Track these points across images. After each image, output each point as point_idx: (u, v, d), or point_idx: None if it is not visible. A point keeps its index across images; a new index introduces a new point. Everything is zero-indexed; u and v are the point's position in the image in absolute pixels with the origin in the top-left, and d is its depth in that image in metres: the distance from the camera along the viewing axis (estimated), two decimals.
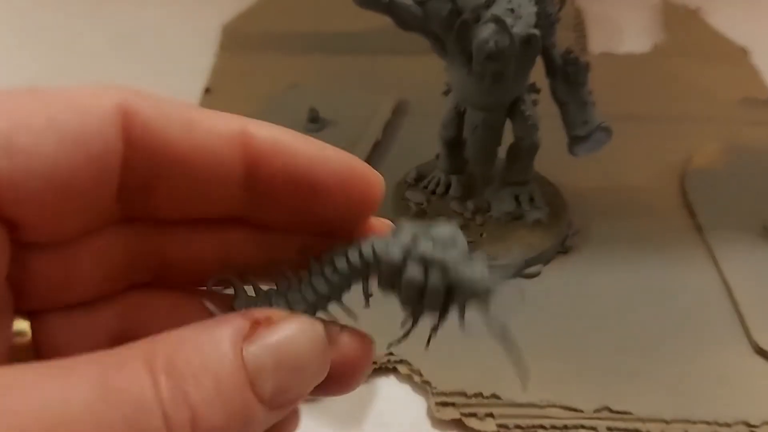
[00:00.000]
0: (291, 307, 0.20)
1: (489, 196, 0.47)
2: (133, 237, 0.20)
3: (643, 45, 0.69)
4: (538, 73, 0.44)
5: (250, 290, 0.21)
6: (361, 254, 0.20)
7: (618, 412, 0.37)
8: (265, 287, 0.21)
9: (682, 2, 0.76)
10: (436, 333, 0.20)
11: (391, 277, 0.19)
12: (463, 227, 0.46)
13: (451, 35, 0.40)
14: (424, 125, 0.52)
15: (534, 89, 0.45)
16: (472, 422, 0.36)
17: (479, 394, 0.37)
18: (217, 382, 0.16)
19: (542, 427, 0.36)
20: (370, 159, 0.53)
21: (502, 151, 0.46)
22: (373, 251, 0.20)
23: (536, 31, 0.39)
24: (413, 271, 0.19)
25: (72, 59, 0.66)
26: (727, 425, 0.36)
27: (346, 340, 0.20)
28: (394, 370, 0.39)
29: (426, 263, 0.19)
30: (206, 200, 0.19)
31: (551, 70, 0.44)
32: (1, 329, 0.19)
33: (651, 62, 0.67)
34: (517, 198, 0.47)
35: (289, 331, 0.18)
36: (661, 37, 0.71)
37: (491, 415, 0.36)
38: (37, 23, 0.72)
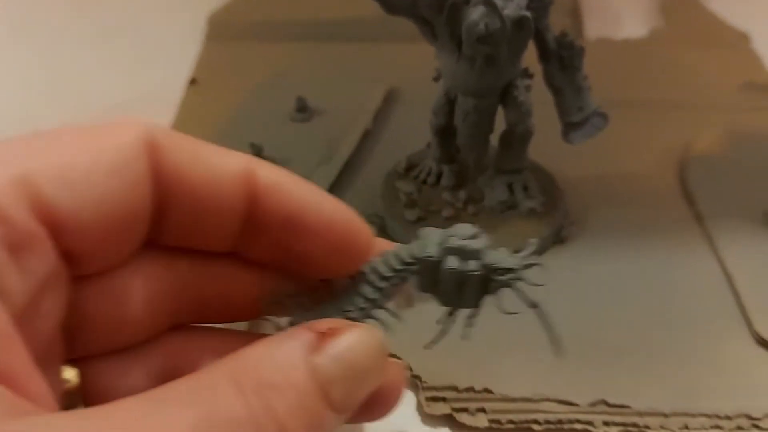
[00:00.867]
0: (345, 316, 0.22)
1: (482, 185, 0.46)
2: (173, 273, 0.22)
3: (641, 30, 0.68)
4: (531, 58, 0.43)
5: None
6: (400, 258, 0.22)
7: (615, 406, 0.35)
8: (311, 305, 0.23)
9: None
10: (473, 322, 0.22)
11: (431, 273, 0.22)
12: (455, 217, 0.45)
13: (440, 18, 0.39)
14: (415, 113, 0.51)
15: (527, 74, 0.43)
16: (463, 417, 0.35)
17: (470, 389, 0.36)
18: (298, 395, 0.18)
19: (536, 421, 0.35)
20: (360, 148, 0.52)
21: (494, 139, 0.45)
22: (411, 254, 0.22)
23: (528, 13, 0.38)
24: (452, 261, 0.21)
25: (57, 51, 0.65)
26: (728, 418, 0.35)
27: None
28: None
29: (461, 254, 0.21)
30: (209, 230, 0.21)
31: (545, 55, 0.43)
32: (52, 374, 0.20)
33: (649, 48, 0.66)
34: (510, 187, 0.45)
35: (353, 340, 0.20)
36: (660, 22, 0.69)
37: (483, 410, 0.35)
38: (20, 15, 0.71)
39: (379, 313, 0.22)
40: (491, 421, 0.35)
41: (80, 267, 0.19)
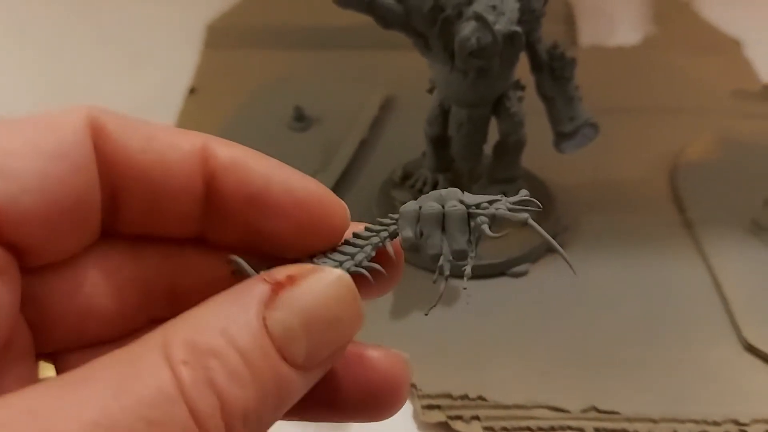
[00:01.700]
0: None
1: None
2: (138, 262, 0.20)
3: (634, 37, 0.69)
4: (523, 69, 0.43)
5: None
6: (380, 221, 0.21)
7: (605, 412, 0.36)
8: None
9: None
10: (470, 273, 0.20)
11: (411, 221, 0.20)
12: None
13: (433, 32, 0.40)
14: (411, 121, 0.51)
15: (519, 86, 0.44)
16: (458, 425, 0.36)
17: (465, 396, 0.37)
18: (245, 359, 0.16)
19: (529, 428, 0.35)
20: (357, 157, 0.53)
21: (488, 148, 0.46)
22: (390, 216, 0.21)
23: (519, 28, 0.38)
24: (429, 204, 0.20)
25: (56, 58, 0.66)
26: (717, 424, 0.36)
27: (378, 354, 0.20)
28: None
29: (440, 201, 0.20)
30: (168, 215, 0.19)
31: (537, 66, 0.44)
32: (25, 370, 0.19)
33: (642, 54, 0.66)
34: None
35: (315, 286, 0.18)
36: (652, 28, 0.70)
37: (477, 417, 0.36)
38: (21, 21, 0.71)
39: (356, 269, 0.21)
40: (485, 428, 0.35)
41: (31, 258, 0.18)
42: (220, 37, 0.67)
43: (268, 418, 0.17)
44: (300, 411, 0.20)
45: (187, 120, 0.57)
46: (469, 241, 0.20)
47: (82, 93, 0.61)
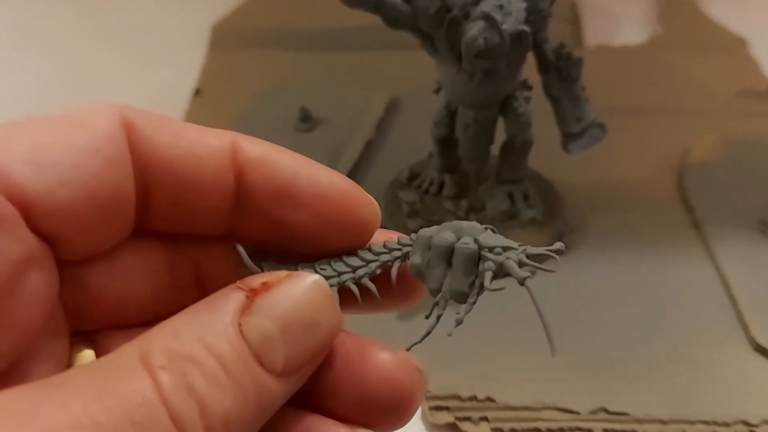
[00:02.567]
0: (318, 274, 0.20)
1: (483, 195, 0.47)
2: (170, 254, 0.21)
3: (640, 37, 0.69)
4: (530, 69, 0.43)
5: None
6: (399, 239, 0.20)
7: (614, 413, 0.36)
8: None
9: None
10: (462, 320, 0.19)
11: (423, 248, 0.20)
12: None
13: (440, 33, 0.40)
14: (417, 122, 0.51)
15: (526, 86, 0.44)
16: (466, 426, 0.36)
17: (473, 398, 0.37)
18: (222, 365, 0.16)
19: (538, 430, 0.35)
20: (363, 158, 0.53)
21: (495, 149, 0.46)
22: (410, 237, 0.20)
23: (526, 28, 0.38)
24: (444, 234, 0.20)
25: (62, 60, 0.66)
26: (726, 425, 0.36)
27: (386, 357, 0.19)
28: None
29: (457, 232, 0.20)
30: (199, 211, 0.20)
31: (544, 66, 0.44)
32: (58, 350, 0.19)
33: (647, 54, 0.66)
34: (511, 196, 0.46)
35: (289, 292, 0.18)
36: (658, 28, 0.70)
37: (486, 418, 0.36)
38: (26, 23, 0.72)
39: (355, 286, 0.20)
40: (494, 429, 0.35)
41: (66, 250, 0.18)
42: (226, 39, 0.67)
43: (252, 424, 0.17)
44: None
45: (193, 121, 0.55)
46: (472, 284, 0.19)
47: (88, 94, 0.61)
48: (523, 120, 0.43)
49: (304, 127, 0.55)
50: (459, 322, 0.19)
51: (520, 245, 0.19)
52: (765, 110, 0.59)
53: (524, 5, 0.39)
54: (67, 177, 0.17)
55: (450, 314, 0.20)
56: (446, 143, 0.46)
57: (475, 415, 0.36)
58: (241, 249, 0.20)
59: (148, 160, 0.19)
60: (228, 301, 0.17)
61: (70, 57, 0.66)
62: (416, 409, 0.20)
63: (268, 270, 0.20)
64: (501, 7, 0.38)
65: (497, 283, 0.19)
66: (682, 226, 0.48)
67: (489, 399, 0.36)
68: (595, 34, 0.69)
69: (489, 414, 0.36)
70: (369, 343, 0.20)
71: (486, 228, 0.20)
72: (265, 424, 0.18)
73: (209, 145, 0.19)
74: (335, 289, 0.20)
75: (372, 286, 0.20)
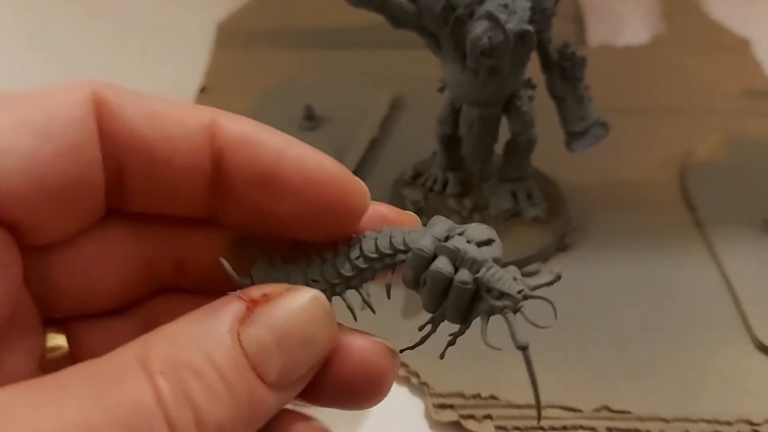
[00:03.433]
0: (308, 285, 0.19)
1: (487, 193, 0.47)
2: (142, 239, 0.20)
3: (643, 36, 0.69)
4: (533, 68, 0.43)
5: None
6: (391, 241, 0.19)
7: (617, 412, 0.36)
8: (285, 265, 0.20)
9: None
10: (455, 342, 0.19)
11: (418, 268, 0.19)
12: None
13: (444, 32, 0.40)
14: (421, 120, 0.51)
15: (530, 85, 0.44)
16: (470, 424, 0.36)
17: (477, 396, 0.37)
18: (219, 373, 0.16)
19: (541, 428, 0.36)
20: (367, 156, 0.53)
21: (499, 148, 0.46)
22: (404, 240, 0.19)
23: (530, 27, 0.39)
24: (442, 263, 0.18)
25: (67, 57, 0.66)
26: (729, 423, 0.36)
27: (362, 344, 0.19)
28: None
29: (457, 259, 0.18)
30: (174, 194, 0.19)
31: (547, 66, 0.44)
32: (31, 339, 0.19)
33: (650, 54, 0.66)
34: (514, 195, 0.46)
35: (289, 305, 0.17)
36: (661, 28, 0.70)
37: (489, 416, 0.36)
38: (31, 20, 0.72)
39: (350, 294, 0.20)
40: (498, 427, 0.35)
41: (30, 236, 0.18)
42: (231, 37, 0.68)
43: None
44: None
45: None
46: (466, 316, 0.19)
47: None
48: (527, 119, 0.43)
49: (308, 126, 0.55)
50: (450, 344, 0.19)
51: (519, 292, 0.18)
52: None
53: (528, 5, 0.39)
54: (19, 164, 0.16)
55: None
56: (450, 142, 0.46)
57: (479, 413, 0.36)
58: (225, 264, 0.19)
59: (120, 139, 0.18)
60: (228, 310, 0.17)
61: (76, 54, 0.66)
62: (389, 389, 0.20)
63: (257, 276, 0.20)
64: (505, 6, 0.38)
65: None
66: (685, 225, 0.48)
67: (493, 397, 0.37)
68: (599, 33, 0.69)
69: (493, 412, 0.36)
70: (345, 329, 0.19)
71: (490, 238, 0.19)
72: None
73: (185, 125, 0.18)
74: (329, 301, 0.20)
75: (366, 296, 0.20)
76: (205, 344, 0.16)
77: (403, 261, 0.19)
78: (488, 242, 0.19)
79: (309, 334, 0.18)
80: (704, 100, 0.60)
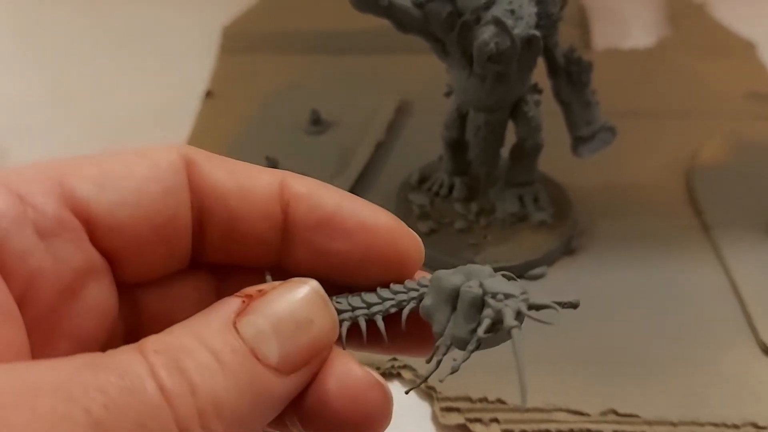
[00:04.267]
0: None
1: (493, 198, 0.47)
2: (222, 288, 0.22)
3: (648, 40, 0.69)
4: (540, 73, 0.44)
5: None
6: (419, 281, 0.21)
7: (624, 415, 0.36)
8: None
9: None
10: (468, 356, 0.19)
11: (436, 294, 0.19)
12: (467, 229, 0.46)
13: (451, 37, 0.40)
14: (427, 125, 0.52)
15: (536, 90, 0.44)
16: (477, 427, 0.36)
17: (484, 399, 0.37)
18: (213, 353, 0.17)
19: (548, 431, 0.36)
20: (373, 161, 0.53)
21: (505, 152, 0.46)
22: (429, 279, 0.20)
23: (537, 32, 0.39)
24: (455, 278, 0.19)
25: (71, 62, 0.66)
26: (735, 427, 0.36)
27: (360, 374, 0.19)
28: (398, 375, 0.39)
29: (469, 276, 0.19)
30: (248, 242, 0.21)
31: (554, 70, 0.44)
32: None
33: (656, 57, 0.66)
34: (521, 199, 0.46)
35: (285, 294, 0.19)
36: (666, 31, 0.70)
37: (496, 420, 0.36)
38: (37, 25, 0.72)
39: (365, 322, 0.21)
40: (504, 431, 0.36)
41: (125, 271, 0.20)
42: (237, 41, 0.68)
43: (249, 417, 0.17)
44: None
45: (204, 123, 0.57)
46: (473, 331, 0.19)
47: (100, 97, 0.62)
48: (534, 124, 0.44)
49: (314, 130, 0.55)
50: (454, 370, 0.19)
51: (522, 293, 0.19)
52: None
53: (535, 10, 0.39)
54: (128, 198, 0.19)
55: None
56: (456, 146, 0.46)
57: (486, 416, 0.36)
58: (268, 276, 0.21)
59: (204, 192, 0.20)
60: (225, 306, 0.18)
61: (81, 60, 0.67)
62: (381, 424, 0.20)
63: None
64: (512, 11, 0.38)
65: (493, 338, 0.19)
66: (691, 228, 0.48)
67: (500, 401, 0.37)
68: (604, 37, 0.69)
69: (499, 415, 0.36)
70: (340, 354, 0.20)
71: (502, 274, 0.20)
72: None
73: (260, 180, 0.21)
74: (347, 324, 0.21)
75: (381, 325, 0.20)
76: (201, 332, 0.17)
77: (422, 295, 0.20)
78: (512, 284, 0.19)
79: (305, 317, 0.18)
80: (710, 103, 0.60)
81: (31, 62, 0.67)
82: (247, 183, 0.21)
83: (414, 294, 0.20)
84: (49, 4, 0.74)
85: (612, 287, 0.44)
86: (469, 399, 0.37)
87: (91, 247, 0.19)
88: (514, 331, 0.18)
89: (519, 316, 0.19)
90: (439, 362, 0.19)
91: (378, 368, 0.38)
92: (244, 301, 0.18)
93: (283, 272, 0.21)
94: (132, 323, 0.21)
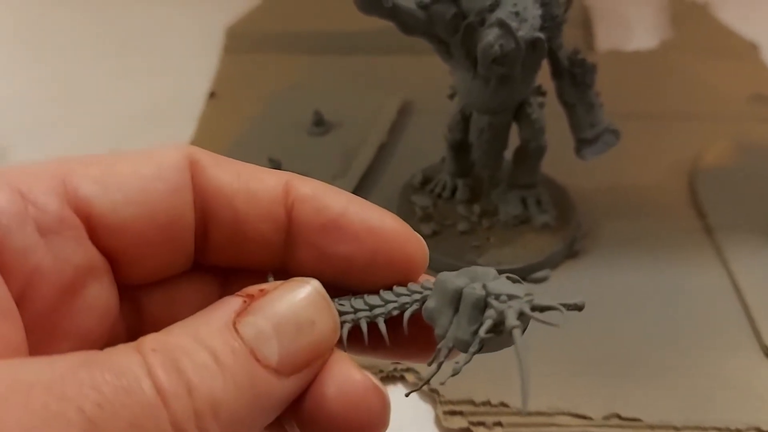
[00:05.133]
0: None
1: (496, 200, 0.47)
2: (225, 291, 0.22)
3: (651, 42, 0.69)
4: (543, 75, 0.43)
5: None
6: (422, 284, 0.20)
7: (627, 419, 0.36)
8: None
9: None
10: (470, 359, 0.19)
11: (439, 297, 0.19)
12: (470, 231, 0.46)
13: (455, 39, 0.40)
14: (430, 126, 0.52)
15: (540, 92, 0.44)
16: (480, 431, 0.36)
17: (487, 402, 0.37)
18: (213, 355, 0.16)
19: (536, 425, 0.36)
20: (376, 162, 0.53)
21: (508, 154, 0.46)
22: (432, 282, 0.20)
23: (541, 35, 0.39)
24: (458, 280, 0.19)
25: (75, 62, 0.66)
26: (739, 431, 0.36)
27: (359, 378, 0.19)
28: (402, 379, 0.39)
29: (473, 279, 0.19)
30: (252, 244, 0.21)
31: (558, 72, 0.44)
32: None
33: (659, 59, 0.66)
34: (524, 201, 0.46)
35: (286, 295, 0.18)
36: (670, 33, 0.70)
37: (499, 423, 0.36)
38: (39, 25, 0.72)
39: (366, 324, 0.20)
40: None
41: (127, 271, 0.20)
42: (240, 42, 0.68)
43: (247, 419, 0.17)
44: None
45: (208, 124, 0.57)
46: (475, 333, 0.18)
47: (103, 97, 0.62)
48: (537, 126, 0.44)
49: (317, 131, 0.55)
50: (456, 372, 0.19)
51: (527, 295, 0.19)
52: None
53: (539, 12, 0.39)
54: (131, 197, 0.19)
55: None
56: (460, 148, 0.46)
57: (489, 419, 0.36)
58: (270, 276, 0.21)
59: (209, 192, 0.20)
60: (225, 306, 0.18)
61: (85, 60, 0.67)
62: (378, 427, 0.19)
63: None
64: (516, 14, 0.38)
65: (498, 340, 0.19)
66: (694, 231, 0.48)
67: (503, 404, 0.37)
68: (607, 39, 0.69)
69: (503, 419, 0.36)
70: (340, 357, 0.19)
71: (505, 275, 0.19)
72: None
73: (266, 182, 0.20)
74: (348, 326, 0.20)
75: (383, 328, 0.20)
76: (200, 332, 0.17)
77: (427, 296, 0.20)
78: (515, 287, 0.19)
79: (307, 318, 0.18)
80: (713, 105, 0.60)
81: (34, 63, 0.67)
82: (252, 185, 0.20)
83: (417, 296, 0.20)
84: (52, 5, 0.74)
85: (615, 290, 0.44)
86: (472, 402, 0.37)
87: (92, 246, 0.19)
88: (516, 332, 0.18)
89: (522, 317, 0.18)
90: (440, 364, 0.19)
91: (381, 371, 0.38)
92: (245, 301, 0.18)
93: (287, 275, 0.21)
94: (134, 325, 0.21)
